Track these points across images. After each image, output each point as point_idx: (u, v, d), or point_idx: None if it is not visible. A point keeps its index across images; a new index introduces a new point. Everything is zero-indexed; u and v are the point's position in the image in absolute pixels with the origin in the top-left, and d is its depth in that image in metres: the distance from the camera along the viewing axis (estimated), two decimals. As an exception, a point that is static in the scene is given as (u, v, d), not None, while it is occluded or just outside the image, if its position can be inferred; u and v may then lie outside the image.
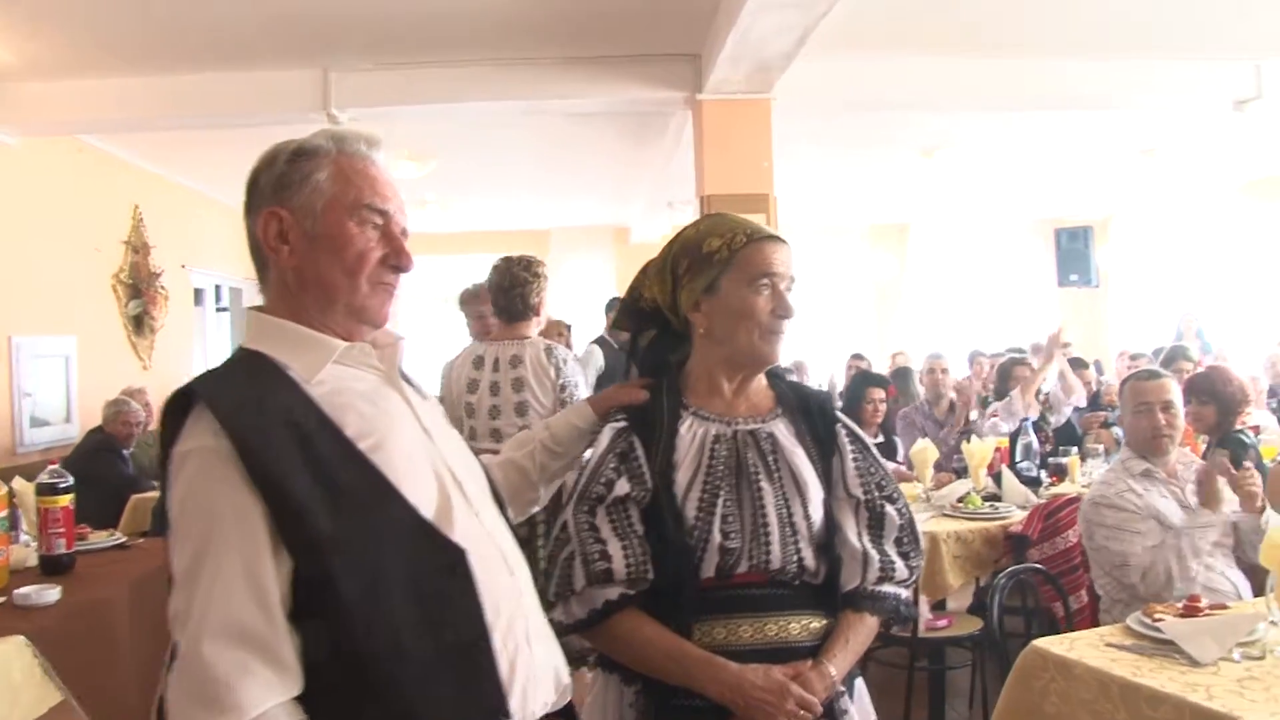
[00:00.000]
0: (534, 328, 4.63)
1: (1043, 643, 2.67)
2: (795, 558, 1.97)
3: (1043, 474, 5.35)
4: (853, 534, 2.05)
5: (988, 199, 12.41)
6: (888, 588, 2.04)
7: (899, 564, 2.07)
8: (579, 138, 8.51)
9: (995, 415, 5.89)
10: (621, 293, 3.08)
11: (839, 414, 2.17)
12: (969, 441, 5.17)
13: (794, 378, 2.40)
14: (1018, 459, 5.30)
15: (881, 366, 9.91)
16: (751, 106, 6.33)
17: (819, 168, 9.83)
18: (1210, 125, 8.35)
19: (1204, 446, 4.68)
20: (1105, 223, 13.41)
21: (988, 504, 4.79)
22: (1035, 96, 6.88)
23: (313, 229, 1.57)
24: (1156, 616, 2.70)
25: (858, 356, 8.40)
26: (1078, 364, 7.14)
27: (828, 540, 2.03)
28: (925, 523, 4.58)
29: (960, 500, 4.82)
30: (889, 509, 2.08)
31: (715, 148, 6.36)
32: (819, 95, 6.65)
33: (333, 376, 1.55)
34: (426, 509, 1.51)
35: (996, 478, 5.09)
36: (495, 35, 6.12)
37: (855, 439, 2.13)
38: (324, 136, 1.63)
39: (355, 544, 1.41)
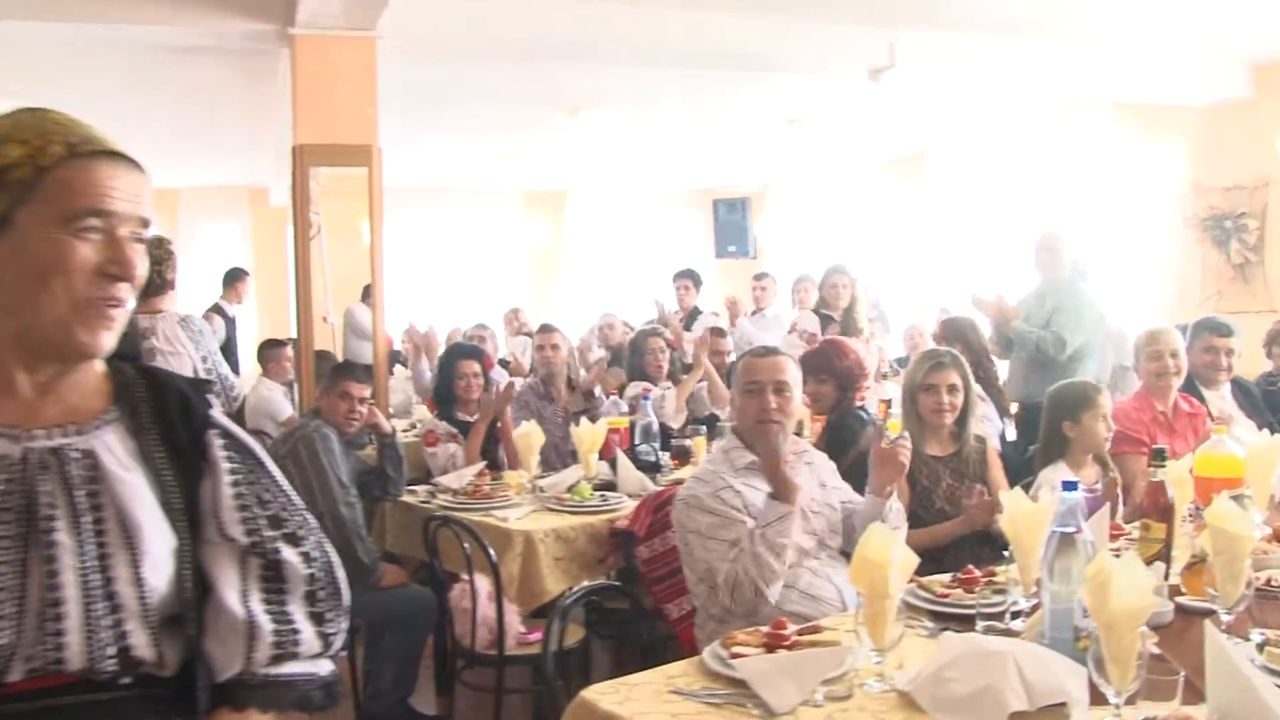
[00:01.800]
0: (169, 301, 4.65)
1: (592, 693, 2.10)
2: (116, 647, 1.28)
3: (665, 457, 4.89)
4: (232, 595, 1.38)
5: (646, 168, 12.16)
6: (291, 668, 1.40)
7: (306, 632, 1.42)
8: (180, 78, 7.34)
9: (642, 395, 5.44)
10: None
11: (215, 415, 1.46)
12: (577, 425, 4.62)
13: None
14: (637, 442, 4.77)
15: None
16: (352, 44, 5.50)
17: (460, 124, 9.12)
18: (850, 98, 8.31)
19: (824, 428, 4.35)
20: (761, 194, 13.48)
21: (599, 494, 4.27)
22: (669, 49, 6.43)
23: None
24: (735, 650, 2.20)
25: (480, 326, 7.78)
26: (718, 333, 6.81)
27: (184, 611, 1.35)
28: (523, 519, 4.00)
29: (569, 490, 4.27)
30: (287, 554, 1.42)
31: (311, 91, 5.49)
32: (436, 37, 5.92)
33: None
34: None
35: (613, 463, 4.57)
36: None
37: (239, 450, 1.44)
38: None
39: None
